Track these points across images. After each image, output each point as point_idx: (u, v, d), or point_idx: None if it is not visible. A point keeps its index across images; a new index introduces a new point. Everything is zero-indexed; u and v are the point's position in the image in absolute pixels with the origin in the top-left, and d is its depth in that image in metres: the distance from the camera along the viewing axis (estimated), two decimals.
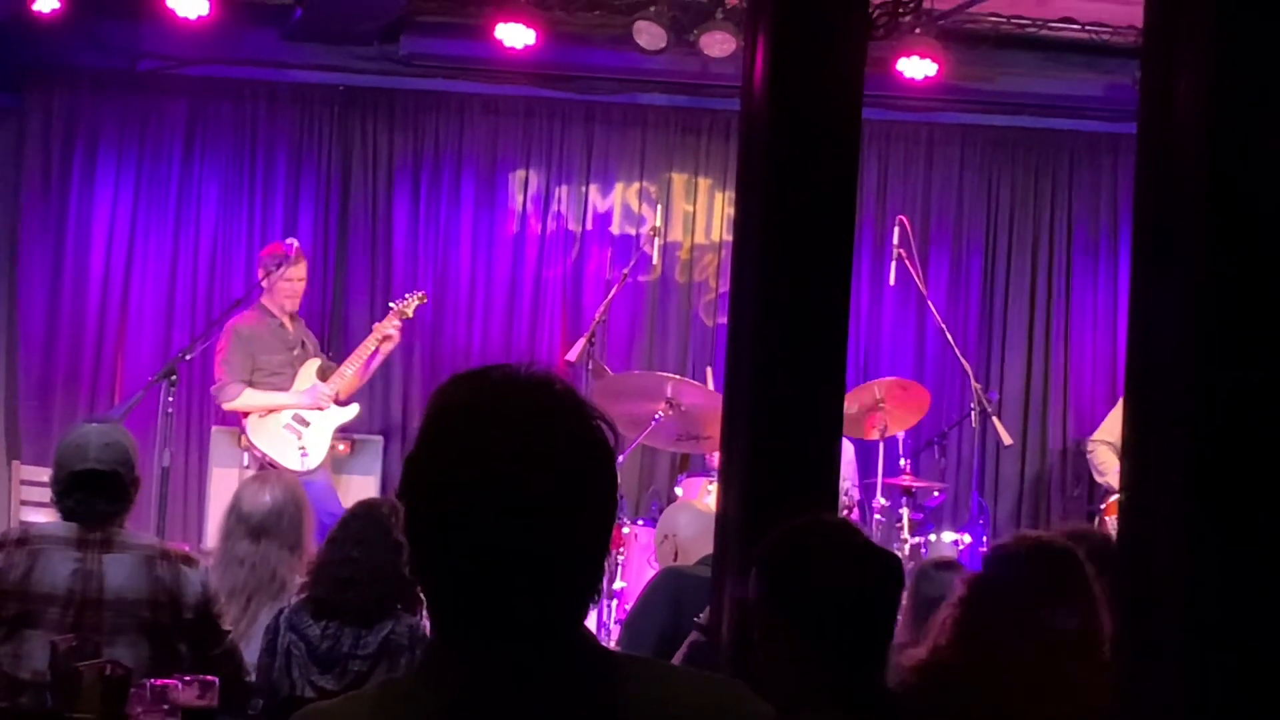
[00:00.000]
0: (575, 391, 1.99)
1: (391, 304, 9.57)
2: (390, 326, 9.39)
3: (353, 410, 9.36)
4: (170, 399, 8.43)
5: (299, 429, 9.06)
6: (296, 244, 9.33)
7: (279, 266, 9.20)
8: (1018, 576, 3.69)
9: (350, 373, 9.35)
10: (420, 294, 9.66)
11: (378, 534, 4.93)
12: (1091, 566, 3.72)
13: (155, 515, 8.43)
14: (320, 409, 9.13)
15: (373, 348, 9.39)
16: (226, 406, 9.22)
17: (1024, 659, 3.54)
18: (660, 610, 5.90)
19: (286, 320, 9.28)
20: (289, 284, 9.27)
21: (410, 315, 9.54)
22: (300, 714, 2.00)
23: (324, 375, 9.29)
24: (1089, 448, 9.90)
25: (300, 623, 4.98)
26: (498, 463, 1.89)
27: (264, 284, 9.25)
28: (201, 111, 10.85)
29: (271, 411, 9.08)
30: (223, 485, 9.06)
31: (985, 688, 3.52)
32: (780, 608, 3.17)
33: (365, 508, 5.24)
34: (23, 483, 9.59)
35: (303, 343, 9.36)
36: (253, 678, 5.09)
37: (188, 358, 8.93)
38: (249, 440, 9.05)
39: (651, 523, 8.57)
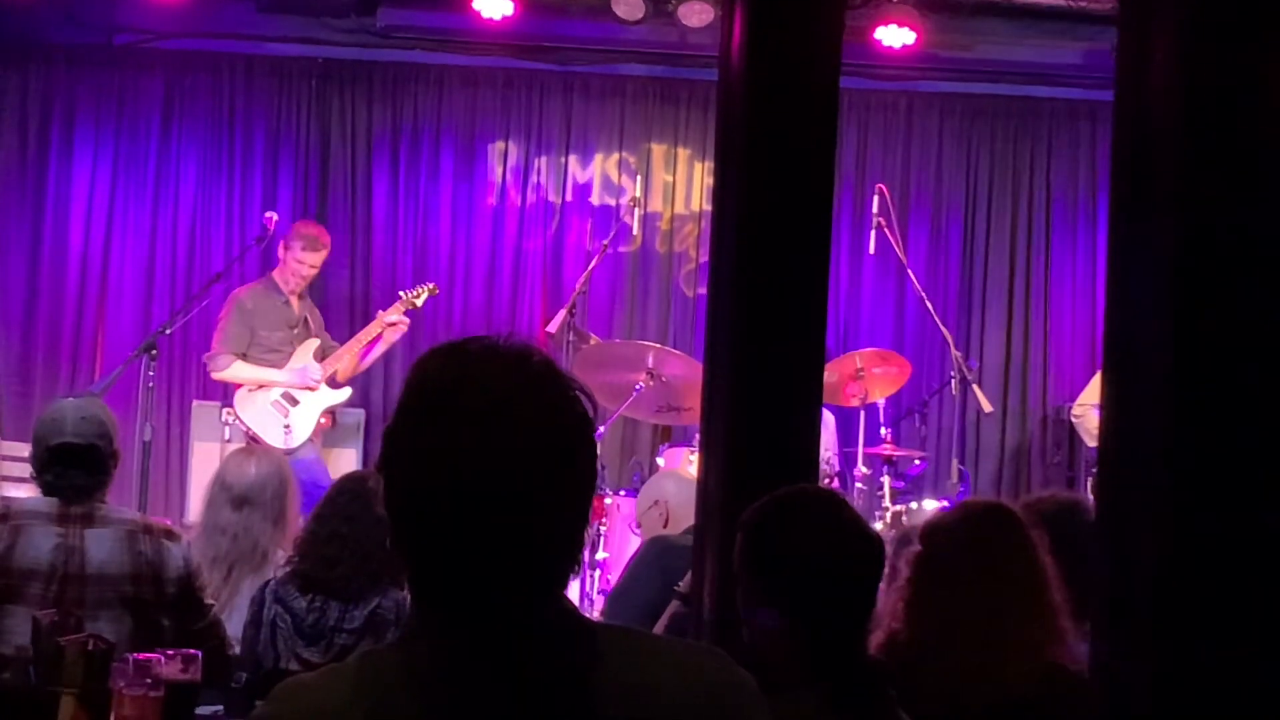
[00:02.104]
0: (553, 363, 1.99)
1: (401, 293, 9.48)
2: (394, 314, 9.32)
3: (344, 394, 9.31)
4: (151, 373, 8.40)
5: (286, 406, 9.02)
6: (276, 217, 9.29)
7: (300, 247, 9.15)
8: (954, 544, 3.72)
9: (347, 356, 9.29)
10: (431, 285, 9.56)
11: (364, 509, 4.91)
12: (1038, 528, 3.75)
13: (137, 490, 8.42)
14: (310, 389, 9.08)
15: (375, 333, 9.32)
16: (215, 376, 9.18)
17: (975, 623, 3.57)
18: (650, 580, 5.87)
19: (293, 298, 9.20)
20: (300, 266, 9.18)
21: (418, 305, 9.45)
22: (282, 686, 2.01)
23: (322, 356, 9.23)
24: (1077, 413, 9.88)
25: (286, 595, 4.97)
26: (475, 436, 1.90)
27: (281, 257, 9.21)
28: (179, 86, 10.82)
29: (262, 387, 9.04)
30: (204, 459, 9.04)
31: (942, 659, 3.54)
32: (762, 578, 3.18)
33: (352, 482, 5.21)
34: (3, 458, 9.58)
35: (305, 320, 9.28)
36: (236, 651, 5.09)
37: (168, 332, 8.89)
38: (235, 413, 9.01)
39: (633, 493, 8.57)
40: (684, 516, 6.34)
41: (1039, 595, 3.62)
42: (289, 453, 8.65)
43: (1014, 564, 3.65)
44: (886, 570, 4.60)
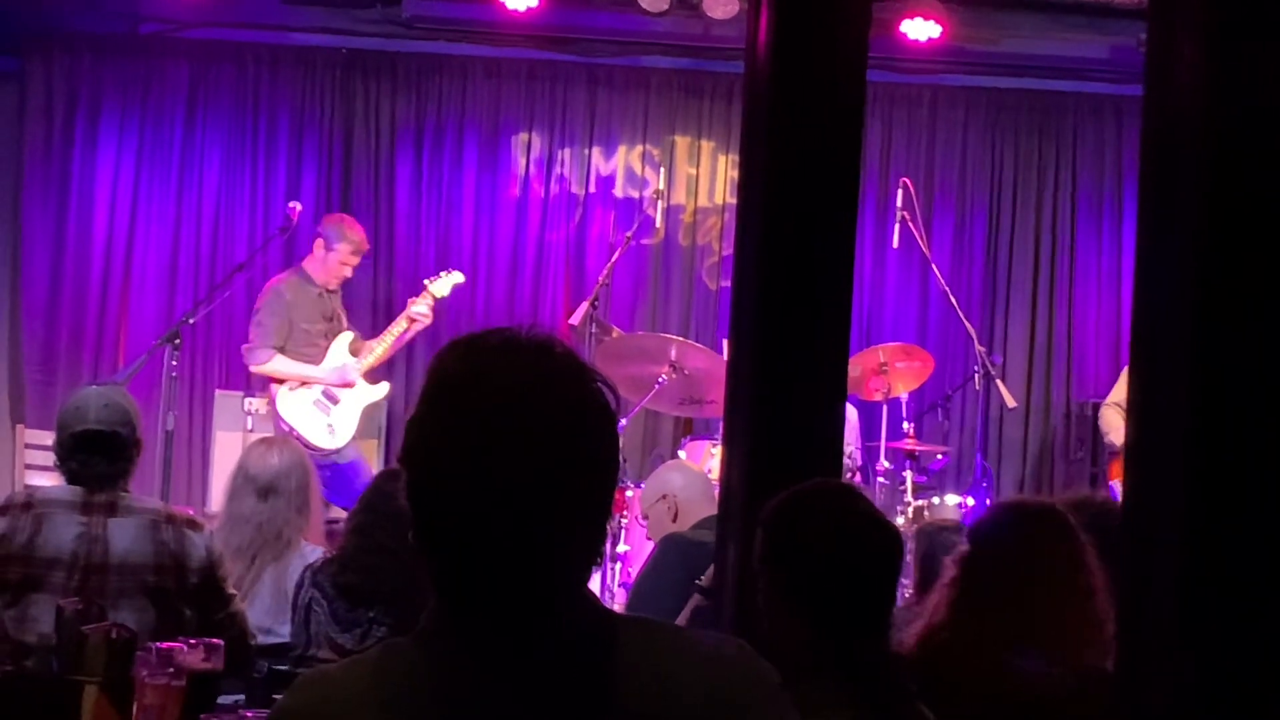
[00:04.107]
0: (575, 355, 1.98)
1: (425, 281, 9.40)
2: (421, 305, 9.21)
3: (383, 389, 9.19)
4: (174, 363, 8.42)
5: (328, 405, 8.90)
6: (299, 207, 9.28)
7: (349, 251, 9.05)
8: (1003, 546, 3.70)
9: (381, 350, 9.18)
10: (457, 273, 9.46)
11: (405, 517, 4.79)
12: (1087, 531, 3.73)
13: (159, 479, 8.44)
14: (350, 386, 8.99)
15: (404, 326, 9.21)
16: (254, 369, 9.05)
17: (1020, 626, 3.56)
18: (674, 580, 5.86)
19: (325, 291, 9.09)
20: (344, 268, 9.09)
21: (445, 294, 9.31)
22: (303, 677, 2.01)
23: (354, 350, 9.18)
24: (1102, 410, 9.86)
25: (323, 580, 4.94)
26: (495, 428, 1.89)
27: (320, 255, 9.06)
28: (203, 75, 10.84)
29: (303, 385, 8.94)
30: (226, 449, 9.06)
31: (982, 658, 3.53)
32: (781, 573, 3.18)
33: (392, 483, 5.06)
34: (27, 446, 9.62)
35: (337, 314, 9.25)
36: (257, 640, 5.10)
37: (191, 321, 8.90)
38: (276, 413, 8.89)
39: None
40: (692, 510, 6.33)
41: (1086, 602, 3.59)
42: (335, 453, 8.63)
43: (1063, 569, 3.63)
44: (915, 565, 4.61)
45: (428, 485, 1.94)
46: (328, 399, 8.92)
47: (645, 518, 6.85)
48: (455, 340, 2.00)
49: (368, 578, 4.88)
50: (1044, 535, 3.70)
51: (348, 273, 9.19)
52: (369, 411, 9.47)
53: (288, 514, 5.66)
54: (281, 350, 8.84)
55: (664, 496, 6.60)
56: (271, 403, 8.93)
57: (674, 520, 6.43)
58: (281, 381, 8.90)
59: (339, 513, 7.50)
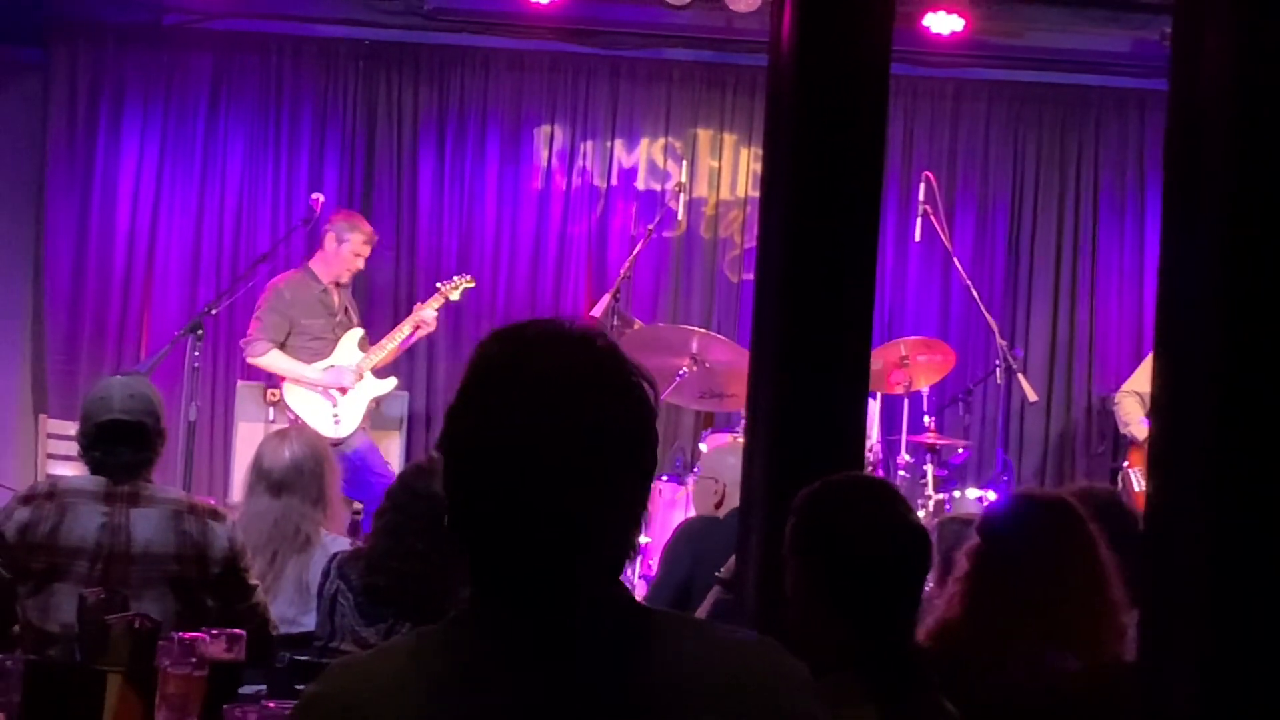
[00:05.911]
0: (617, 347, 1.98)
1: (439, 285, 9.49)
2: (431, 310, 9.34)
3: (390, 384, 9.32)
4: (196, 354, 8.45)
5: (335, 395, 9.02)
6: (322, 199, 9.32)
7: (362, 241, 9.22)
8: (1016, 538, 3.70)
9: (390, 347, 9.30)
10: (468, 278, 9.58)
11: (437, 521, 4.66)
12: (1094, 521, 3.74)
13: (181, 469, 8.46)
14: (341, 391, 9.07)
15: (408, 332, 9.32)
16: (251, 361, 9.20)
17: (1032, 617, 3.56)
18: (680, 561, 5.93)
19: (332, 287, 9.20)
20: (357, 260, 9.24)
21: (456, 299, 9.47)
22: (333, 666, 2.01)
23: (364, 346, 9.25)
24: (1116, 399, 9.89)
25: (350, 572, 4.91)
26: (535, 416, 1.89)
27: (330, 249, 9.19)
28: (227, 66, 10.85)
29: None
30: (249, 440, 9.07)
31: (996, 649, 3.53)
32: (811, 563, 3.18)
33: (421, 479, 5.00)
34: (49, 436, 9.64)
35: (346, 310, 9.31)
36: (279, 631, 5.10)
37: (214, 312, 8.94)
38: (284, 401, 9.01)
39: (675, 478, 8.56)
40: (738, 497, 6.33)
41: (1098, 591, 3.60)
42: (340, 442, 8.67)
43: (1074, 559, 3.63)
44: (937, 559, 4.61)
45: (467, 472, 1.94)
46: (335, 389, 9.00)
47: (694, 499, 6.92)
48: (497, 330, 2.01)
49: (395, 581, 4.80)
50: (1054, 526, 3.70)
51: (360, 264, 9.30)
52: (387, 404, 9.53)
53: (302, 508, 5.64)
54: (284, 346, 8.96)
55: (715, 479, 6.54)
56: (280, 392, 9.06)
57: (717, 507, 6.41)
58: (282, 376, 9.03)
59: (355, 505, 7.56)
